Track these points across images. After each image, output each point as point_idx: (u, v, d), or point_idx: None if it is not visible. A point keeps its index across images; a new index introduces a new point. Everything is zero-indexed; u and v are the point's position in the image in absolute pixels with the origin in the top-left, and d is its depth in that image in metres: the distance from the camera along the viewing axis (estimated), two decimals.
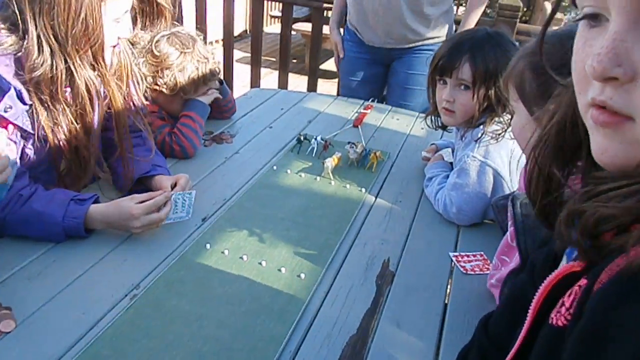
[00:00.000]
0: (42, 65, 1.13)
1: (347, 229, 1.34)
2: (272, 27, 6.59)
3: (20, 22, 1.12)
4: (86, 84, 1.20)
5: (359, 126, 1.99)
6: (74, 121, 1.23)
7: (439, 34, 2.31)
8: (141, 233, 1.22)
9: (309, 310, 1.05)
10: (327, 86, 4.64)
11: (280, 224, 1.33)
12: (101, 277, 1.09)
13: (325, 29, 3.37)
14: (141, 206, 1.19)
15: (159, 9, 1.71)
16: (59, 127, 1.20)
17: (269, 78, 4.93)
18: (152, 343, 0.93)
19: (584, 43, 0.46)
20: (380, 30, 2.27)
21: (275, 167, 1.63)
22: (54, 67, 1.14)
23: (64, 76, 1.16)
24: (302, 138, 1.74)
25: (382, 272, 1.19)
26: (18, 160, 1.19)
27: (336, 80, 3.59)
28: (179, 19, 2.75)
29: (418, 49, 2.31)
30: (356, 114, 2.13)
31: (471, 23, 2.33)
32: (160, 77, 1.64)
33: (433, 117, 1.61)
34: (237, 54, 4.34)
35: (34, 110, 1.16)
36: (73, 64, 1.16)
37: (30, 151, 1.21)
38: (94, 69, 1.22)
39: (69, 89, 1.21)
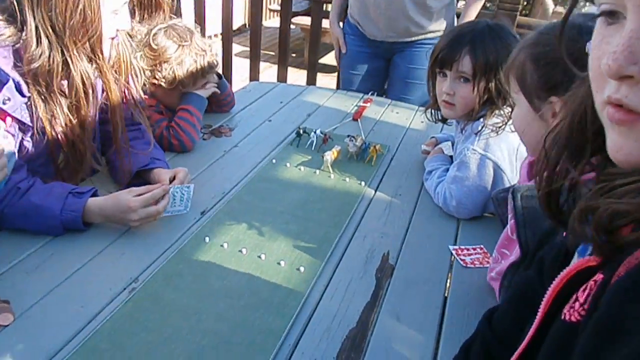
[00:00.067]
0: (40, 57, 1.12)
1: (347, 222, 1.33)
2: (271, 21, 6.56)
3: (18, 13, 1.11)
4: (82, 77, 1.19)
5: (359, 119, 1.99)
6: (69, 114, 1.22)
7: (441, 28, 2.29)
8: (139, 226, 1.21)
9: (308, 303, 1.05)
10: (326, 80, 4.62)
11: (280, 218, 1.32)
12: (99, 270, 1.09)
13: (325, 23, 3.36)
14: (139, 199, 1.18)
15: (157, 1, 1.70)
16: (56, 120, 1.20)
17: (268, 72, 4.91)
18: (151, 336, 0.93)
19: (601, 40, 0.45)
20: (382, 23, 2.26)
21: (274, 161, 1.62)
22: (51, 59, 1.13)
23: (60, 68, 1.15)
24: (301, 131, 1.73)
25: (381, 266, 1.18)
26: (16, 153, 1.18)
27: (335, 74, 3.58)
28: (177, 13, 2.73)
29: (420, 42, 2.30)
30: (356, 108, 2.12)
31: (471, 15, 2.31)
32: (159, 71, 1.63)
33: (433, 110, 1.60)
34: (236, 48, 4.33)
35: (32, 103, 1.16)
36: (70, 56, 1.16)
37: (28, 144, 1.20)
38: (91, 62, 1.22)
39: (65, 82, 1.20)
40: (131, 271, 1.09)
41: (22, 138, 1.19)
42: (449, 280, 1.16)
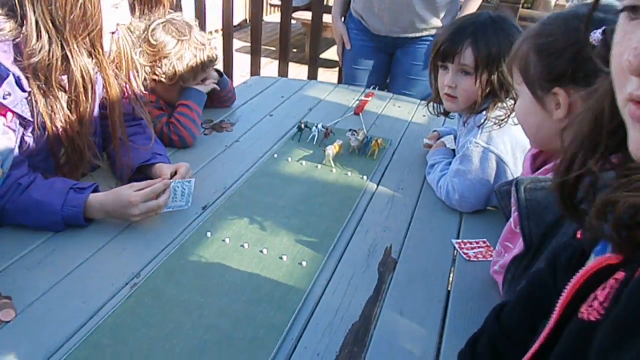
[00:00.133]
0: (40, 52, 1.11)
1: (349, 216, 1.33)
2: (272, 16, 6.53)
3: (18, 7, 1.10)
4: (81, 72, 1.18)
5: (360, 114, 1.98)
6: (69, 109, 1.21)
7: (445, 24, 2.28)
8: (140, 222, 1.21)
9: (310, 298, 1.04)
10: (327, 75, 4.61)
11: (281, 212, 1.32)
12: (101, 266, 1.09)
13: (326, 18, 3.34)
14: (139, 193, 1.18)
15: None
16: (56, 115, 1.19)
17: (269, 67, 4.90)
18: (153, 332, 0.92)
19: (623, 36, 0.44)
20: (387, 17, 2.24)
21: (275, 155, 1.61)
22: (51, 54, 1.13)
23: (59, 63, 1.15)
24: (302, 126, 1.73)
25: (384, 260, 1.18)
26: (17, 149, 1.17)
27: (337, 69, 3.57)
28: (177, 8, 2.72)
29: (423, 39, 2.28)
30: (357, 102, 2.11)
31: (471, 8, 2.29)
32: (159, 67, 1.62)
33: (435, 104, 1.59)
34: (237, 43, 4.32)
35: (33, 98, 1.15)
36: (70, 50, 1.15)
37: (29, 139, 1.20)
38: (91, 56, 1.21)
39: (65, 77, 1.19)
40: (133, 266, 1.09)
41: (23, 133, 1.19)
42: (451, 274, 1.15)
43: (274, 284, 1.07)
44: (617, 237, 0.44)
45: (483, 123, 1.37)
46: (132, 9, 1.44)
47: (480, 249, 1.23)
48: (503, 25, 1.38)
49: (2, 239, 1.12)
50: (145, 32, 1.59)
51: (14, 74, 1.11)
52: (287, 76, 3.23)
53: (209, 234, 1.20)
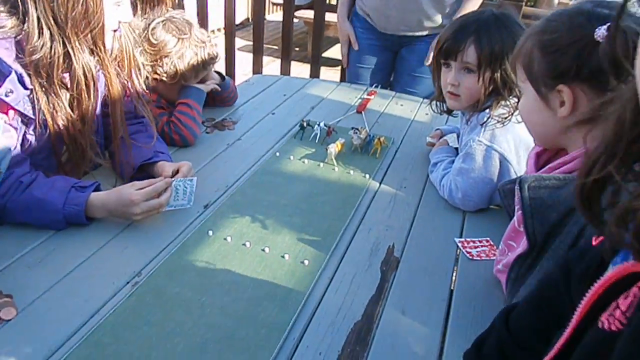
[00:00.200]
0: (41, 49, 1.11)
1: (351, 215, 1.32)
2: (275, 15, 6.53)
3: (20, 4, 1.10)
4: (84, 69, 1.18)
5: (363, 112, 1.97)
6: (70, 107, 1.21)
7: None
8: (142, 220, 1.20)
9: (312, 297, 1.04)
10: (329, 74, 4.60)
11: (284, 211, 1.31)
12: (102, 264, 1.08)
13: (328, 16, 3.34)
14: (141, 192, 1.17)
15: None
16: (58, 113, 1.19)
17: (272, 66, 4.89)
18: (154, 331, 0.92)
19: None
20: (394, 15, 2.23)
21: (278, 154, 1.61)
22: (53, 51, 1.12)
23: (61, 60, 1.14)
24: (305, 124, 1.72)
25: (386, 258, 1.17)
26: (19, 147, 1.17)
27: (339, 68, 3.55)
28: (179, 7, 2.71)
29: (429, 37, 2.27)
30: (360, 100, 2.10)
31: (468, 8, 2.18)
32: (159, 66, 1.61)
33: (438, 102, 1.58)
34: (239, 42, 4.31)
35: (35, 95, 1.15)
36: (72, 48, 1.15)
37: (31, 137, 1.20)
38: (93, 54, 1.21)
39: (67, 75, 1.19)
40: (134, 265, 1.08)
41: (25, 131, 1.18)
42: (454, 273, 1.15)
43: (275, 283, 1.06)
44: (638, 246, 0.43)
45: (486, 121, 1.36)
46: (134, 7, 1.43)
47: (484, 248, 1.22)
48: (506, 22, 1.37)
49: (3, 237, 1.12)
50: (145, 31, 1.58)
51: (16, 72, 1.11)
52: (289, 75, 3.22)
53: (210, 232, 1.20)
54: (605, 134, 0.50)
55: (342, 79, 2.94)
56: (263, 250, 1.15)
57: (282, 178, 1.48)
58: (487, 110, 1.38)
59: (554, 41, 0.89)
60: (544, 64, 0.91)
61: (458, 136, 1.60)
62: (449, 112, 1.62)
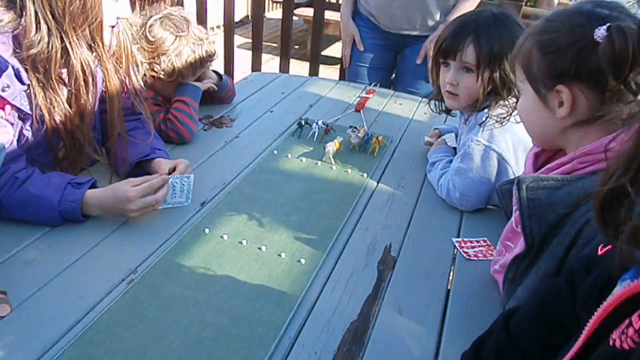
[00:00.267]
0: (39, 43, 1.10)
1: (349, 214, 1.32)
2: (274, 13, 6.53)
3: None
4: (82, 65, 1.17)
5: (361, 111, 1.97)
6: (68, 103, 1.20)
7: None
8: (138, 218, 1.20)
9: (309, 295, 1.03)
10: (328, 72, 4.59)
11: (281, 209, 1.31)
12: (98, 261, 1.08)
13: (327, 15, 3.33)
14: (137, 189, 1.17)
15: None
16: (55, 109, 1.18)
17: (271, 64, 4.89)
18: (149, 328, 0.91)
19: None
20: (398, 14, 2.22)
21: (275, 152, 1.60)
22: (51, 46, 1.12)
23: (59, 55, 1.14)
24: (303, 122, 1.72)
25: (383, 258, 1.17)
26: (15, 142, 1.16)
27: (338, 66, 3.55)
28: (178, 4, 2.70)
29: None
30: (358, 99, 2.10)
31: (463, 9, 2.15)
32: (157, 64, 1.60)
33: (436, 101, 1.58)
34: (238, 39, 4.30)
35: (32, 90, 1.14)
36: (70, 43, 1.14)
37: (28, 132, 1.19)
38: (91, 49, 1.20)
39: (65, 70, 1.18)
40: (130, 262, 1.08)
41: (22, 127, 1.18)
42: (451, 273, 1.14)
43: (272, 281, 1.06)
44: None
45: (485, 121, 1.36)
46: (133, 3, 1.43)
47: (481, 248, 1.22)
48: (506, 22, 1.36)
49: None
50: (143, 29, 1.57)
51: (13, 66, 1.10)
52: (288, 73, 3.22)
53: (207, 230, 1.19)
54: (624, 144, 0.50)
55: (341, 78, 2.93)
56: (259, 248, 1.15)
57: (279, 176, 1.47)
58: (486, 110, 1.38)
59: (553, 41, 0.89)
60: (543, 64, 0.90)
61: (456, 136, 1.60)
62: (448, 111, 1.62)
